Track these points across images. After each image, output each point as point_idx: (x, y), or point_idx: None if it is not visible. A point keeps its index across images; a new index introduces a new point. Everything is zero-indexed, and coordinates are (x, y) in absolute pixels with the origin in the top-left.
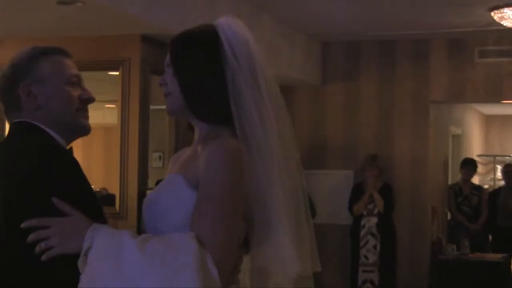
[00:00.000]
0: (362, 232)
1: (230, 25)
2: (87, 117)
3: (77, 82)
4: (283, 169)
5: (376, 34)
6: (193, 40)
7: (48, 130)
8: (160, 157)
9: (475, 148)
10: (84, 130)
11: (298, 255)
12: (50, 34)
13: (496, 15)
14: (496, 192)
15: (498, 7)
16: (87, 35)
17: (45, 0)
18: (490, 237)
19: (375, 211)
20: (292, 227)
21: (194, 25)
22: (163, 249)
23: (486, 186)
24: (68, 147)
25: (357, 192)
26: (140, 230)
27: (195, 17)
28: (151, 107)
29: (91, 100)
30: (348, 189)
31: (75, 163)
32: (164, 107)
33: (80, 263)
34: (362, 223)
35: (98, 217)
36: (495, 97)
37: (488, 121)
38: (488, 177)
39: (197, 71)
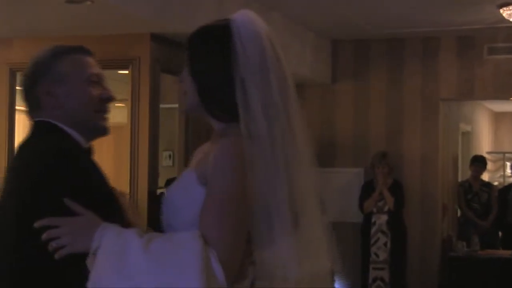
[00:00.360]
0: (373, 230)
1: (244, 21)
2: (106, 118)
3: (98, 81)
4: (295, 168)
5: (385, 32)
6: (206, 37)
7: (67, 129)
8: (170, 156)
9: (484, 145)
10: (102, 131)
11: (306, 255)
12: (59, 34)
13: (505, 12)
14: (506, 189)
15: (507, 4)
16: (96, 34)
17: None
18: (499, 233)
19: (385, 209)
20: (303, 227)
21: (203, 23)
22: (167, 249)
23: (495, 183)
24: (88, 146)
25: (368, 189)
26: (153, 228)
27: (205, 15)
28: (161, 105)
29: (111, 99)
30: (358, 187)
31: (91, 163)
32: (173, 105)
33: (89, 262)
34: (373, 220)
35: (117, 217)
36: (505, 94)
37: (498, 118)
38: (498, 174)
39: (208, 69)
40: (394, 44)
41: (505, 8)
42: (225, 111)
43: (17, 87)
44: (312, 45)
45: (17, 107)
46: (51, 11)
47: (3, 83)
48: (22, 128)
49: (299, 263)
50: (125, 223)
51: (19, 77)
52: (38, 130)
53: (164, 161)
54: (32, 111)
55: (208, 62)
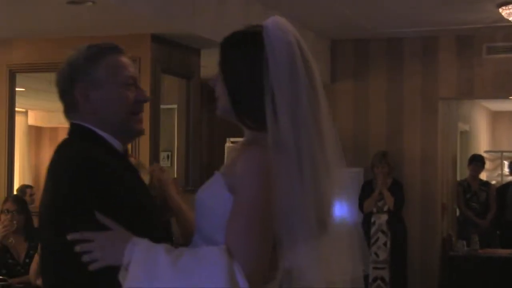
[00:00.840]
0: (373, 230)
1: (276, 29)
2: (141, 120)
3: (133, 83)
4: (323, 175)
5: (385, 32)
6: (238, 43)
7: (103, 133)
8: (168, 157)
9: (482, 144)
10: (138, 133)
11: (332, 262)
12: (60, 34)
13: (504, 11)
14: (504, 187)
15: (506, 3)
16: (97, 35)
17: (55, 0)
18: (498, 232)
19: (385, 208)
20: (330, 234)
21: (205, 24)
22: (194, 265)
23: (493, 182)
24: (123, 149)
25: (367, 189)
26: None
27: (206, 16)
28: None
29: (146, 100)
30: (358, 186)
31: (125, 166)
32: (172, 106)
33: (121, 277)
34: (372, 220)
35: (150, 219)
36: (503, 93)
37: (495, 117)
38: (496, 173)
39: (239, 76)
40: (393, 44)
41: (504, 8)
42: (254, 120)
43: (16, 88)
44: (312, 45)
45: (17, 109)
46: (52, 12)
47: (2, 84)
48: (21, 129)
49: (325, 270)
50: (161, 222)
51: (18, 78)
52: (74, 133)
53: (162, 161)
54: (68, 112)
55: (239, 69)
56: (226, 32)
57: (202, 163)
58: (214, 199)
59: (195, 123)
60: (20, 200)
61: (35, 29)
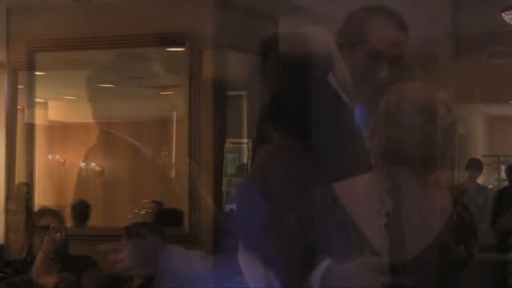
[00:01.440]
0: None
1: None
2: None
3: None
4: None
5: None
6: (278, 50)
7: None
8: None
9: (479, 148)
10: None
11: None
12: (64, 33)
13: (507, 16)
14: (501, 192)
15: (509, 8)
16: (101, 34)
17: None
18: (495, 237)
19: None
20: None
21: (209, 24)
22: (230, 273)
23: (490, 186)
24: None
25: None
26: None
27: (207, 15)
28: None
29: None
30: None
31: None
32: None
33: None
34: None
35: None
36: (504, 97)
37: (493, 121)
38: (493, 177)
39: (278, 82)
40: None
41: (507, 12)
42: (289, 126)
43: (19, 86)
44: None
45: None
46: (58, 11)
47: (4, 82)
48: (18, 126)
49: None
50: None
51: (20, 76)
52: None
53: None
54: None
55: (279, 75)
56: (229, 35)
57: (201, 163)
58: (245, 206)
59: (195, 123)
60: (22, 199)
61: (38, 28)
